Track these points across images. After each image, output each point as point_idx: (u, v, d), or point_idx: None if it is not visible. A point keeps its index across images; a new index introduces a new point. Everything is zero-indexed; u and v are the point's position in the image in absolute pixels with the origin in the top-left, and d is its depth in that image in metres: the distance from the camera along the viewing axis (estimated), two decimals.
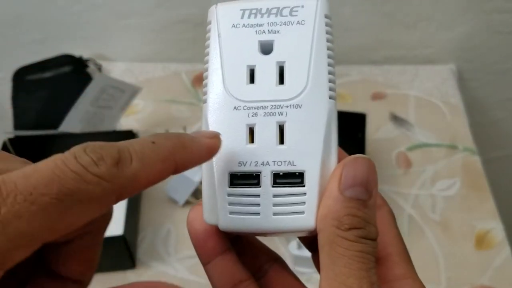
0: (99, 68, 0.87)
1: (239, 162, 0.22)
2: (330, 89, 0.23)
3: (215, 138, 0.21)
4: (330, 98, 0.22)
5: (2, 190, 0.15)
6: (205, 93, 0.24)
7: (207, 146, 0.21)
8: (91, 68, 0.86)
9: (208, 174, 0.23)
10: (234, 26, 0.24)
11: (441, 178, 0.69)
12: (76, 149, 0.17)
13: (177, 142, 0.19)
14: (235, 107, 0.23)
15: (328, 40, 0.23)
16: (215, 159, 0.23)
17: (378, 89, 0.83)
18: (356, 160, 0.21)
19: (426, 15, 0.83)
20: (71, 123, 0.67)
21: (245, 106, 0.23)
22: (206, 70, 0.24)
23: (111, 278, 0.60)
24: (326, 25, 0.23)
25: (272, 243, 0.61)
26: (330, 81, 0.23)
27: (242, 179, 0.22)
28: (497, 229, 0.63)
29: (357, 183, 0.20)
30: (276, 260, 0.26)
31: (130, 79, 0.86)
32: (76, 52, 0.86)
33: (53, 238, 0.16)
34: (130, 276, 0.60)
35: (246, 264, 0.25)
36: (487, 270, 0.59)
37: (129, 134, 0.67)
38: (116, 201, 0.17)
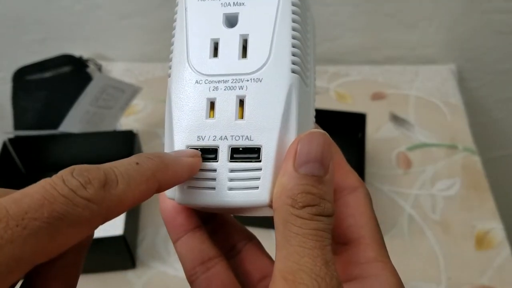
0: (99, 68, 0.87)
1: (198, 137, 0.22)
2: (294, 62, 0.22)
3: (196, 157, 0.22)
4: (293, 72, 0.22)
5: None
6: (170, 67, 0.24)
7: (188, 165, 0.21)
8: (91, 68, 0.86)
9: (169, 148, 0.23)
10: None
11: (441, 178, 0.69)
12: (64, 172, 0.17)
13: (160, 162, 0.20)
14: (196, 81, 0.23)
15: (294, 12, 0.23)
16: (175, 132, 0.23)
17: (378, 89, 0.83)
18: (311, 136, 0.21)
19: (426, 15, 0.83)
20: (71, 123, 0.67)
21: (206, 80, 0.23)
22: (172, 44, 0.24)
23: (111, 278, 0.60)
24: None
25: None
26: (294, 54, 0.22)
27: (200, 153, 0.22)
28: (497, 229, 0.63)
29: (312, 159, 0.20)
30: (251, 239, 0.26)
31: (130, 79, 0.86)
32: (76, 52, 0.86)
33: (44, 260, 0.16)
34: (130, 276, 0.60)
35: (219, 242, 0.25)
36: (487, 270, 0.59)
37: (129, 134, 0.67)
38: (103, 223, 0.18)
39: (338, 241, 0.24)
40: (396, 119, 0.78)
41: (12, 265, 0.15)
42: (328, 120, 0.67)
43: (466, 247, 0.61)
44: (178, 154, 0.21)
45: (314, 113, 0.24)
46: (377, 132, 0.75)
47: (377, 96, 0.82)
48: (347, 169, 0.25)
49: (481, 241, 0.62)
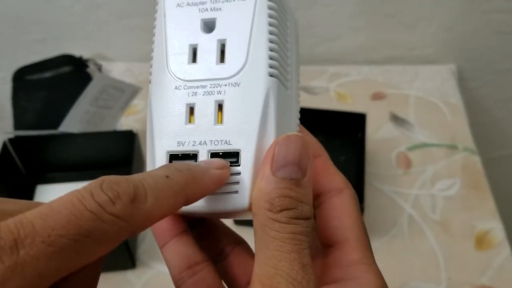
0: (99, 68, 0.87)
1: (178, 142, 0.22)
2: (271, 66, 0.22)
3: (225, 168, 0.21)
4: (271, 75, 0.22)
5: (20, 232, 0.15)
6: (150, 74, 0.24)
7: (217, 178, 0.21)
8: (91, 68, 0.86)
9: (150, 153, 0.23)
10: (179, 5, 0.24)
11: (441, 178, 0.69)
12: (93, 185, 0.17)
13: (189, 176, 0.20)
14: (176, 87, 0.23)
15: (270, 16, 0.23)
16: (155, 138, 0.23)
17: (378, 89, 0.83)
18: (288, 139, 0.20)
19: (426, 15, 0.83)
20: (71, 123, 0.67)
21: (185, 85, 0.23)
22: (152, 50, 0.24)
23: (111, 278, 0.60)
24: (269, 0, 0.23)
25: None
26: (271, 58, 0.22)
27: (180, 159, 0.22)
28: (497, 229, 0.63)
29: (289, 162, 0.20)
30: (239, 243, 0.26)
31: (130, 79, 0.86)
32: (76, 52, 0.86)
33: (66, 274, 0.16)
34: (130, 276, 0.60)
35: (207, 247, 0.25)
36: (487, 270, 0.59)
37: (129, 134, 0.67)
38: (128, 237, 0.18)
39: (324, 243, 0.24)
40: (396, 119, 0.78)
41: (36, 282, 0.15)
42: (328, 120, 0.67)
43: (466, 247, 0.61)
44: (207, 165, 0.21)
45: (298, 115, 0.24)
46: (377, 132, 0.75)
47: (377, 96, 0.82)
48: (333, 171, 0.25)
49: (481, 241, 0.62)
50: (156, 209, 0.18)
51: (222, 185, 0.22)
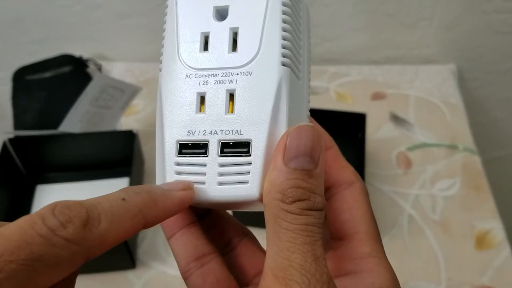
0: (99, 68, 0.87)
1: (188, 131, 0.22)
2: (284, 55, 0.22)
3: (188, 189, 0.21)
4: (283, 65, 0.22)
5: None
6: (161, 62, 0.24)
7: (179, 200, 0.21)
8: (91, 68, 0.86)
9: (160, 142, 0.23)
10: None
11: (441, 178, 0.69)
12: (44, 210, 0.17)
13: (148, 198, 0.19)
14: (187, 75, 0.23)
15: (284, 4, 0.22)
16: (165, 127, 0.22)
17: (378, 89, 0.83)
18: (300, 129, 0.20)
19: (426, 15, 0.83)
20: (71, 123, 0.67)
21: (196, 74, 0.23)
22: (163, 38, 0.24)
23: (111, 278, 0.60)
24: None
25: None
26: (284, 47, 0.22)
27: (190, 148, 0.22)
28: (497, 229, 0.63)
29: (301, 153, 0.20)
30: (247, 235, 0.26)
31: (130, 79, 0.86)
32: (76, 52, 0.86)
33: None
34: (130, 276, 0.60)
35: (214, 238, 0.25)
36: (487, 270, 0.59)
37: (129, 134, 0.67)
38: (85, 262, 0.17)
39: (334, 236, 0.24)
40: (396, 119, 0.78)
41: None
42: (328, 120, 0.67)
43: (466, 247, 0.61)
44: (169, 187, 0.21)
45: (308, 106, 0.24)
46: (377, 132, 0.75)
47: (377, 96, 0.82)
48: (344, 164, 0.25)
49: (481, 241, 0.62)
50: (111, 233, 0.18)
51: (186, 206, 0.21)
